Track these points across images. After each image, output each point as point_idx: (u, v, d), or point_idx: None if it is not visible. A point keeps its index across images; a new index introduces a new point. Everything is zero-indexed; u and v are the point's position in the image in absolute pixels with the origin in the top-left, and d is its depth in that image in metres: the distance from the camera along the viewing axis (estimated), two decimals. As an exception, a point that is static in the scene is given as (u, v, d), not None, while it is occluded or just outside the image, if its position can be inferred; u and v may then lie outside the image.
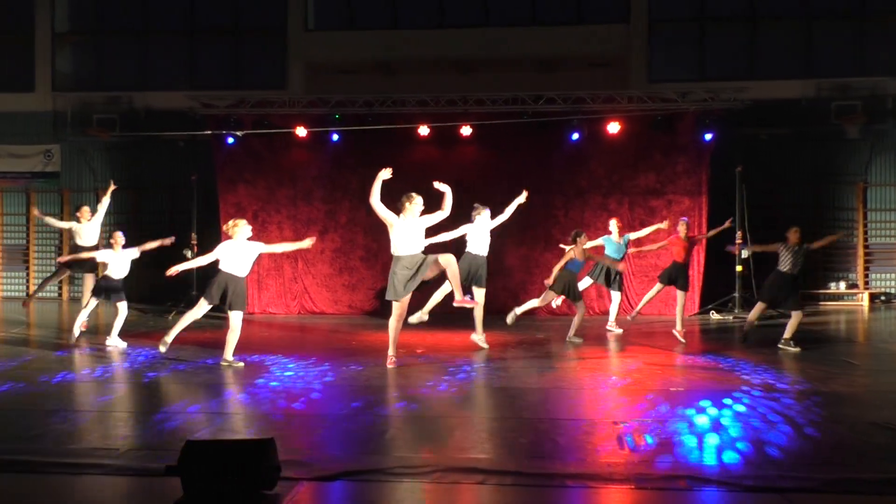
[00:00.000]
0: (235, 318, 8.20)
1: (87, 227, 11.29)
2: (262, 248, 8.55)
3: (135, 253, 9.74)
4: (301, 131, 13.13)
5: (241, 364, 8.13)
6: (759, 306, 9.63)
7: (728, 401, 6.34)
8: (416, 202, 8.19)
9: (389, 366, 7.94)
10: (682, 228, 10.43)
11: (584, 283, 10.94)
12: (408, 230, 8.05)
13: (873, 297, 14.53)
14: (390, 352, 8.05)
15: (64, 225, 11.85)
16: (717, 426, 5.56)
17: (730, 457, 4.85)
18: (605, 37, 15.26)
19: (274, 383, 7.27)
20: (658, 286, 10.66)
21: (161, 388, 7.28)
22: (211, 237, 13.63)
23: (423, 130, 12.97)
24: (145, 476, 4.52)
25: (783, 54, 15.24)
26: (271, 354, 8.96)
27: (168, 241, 10.10)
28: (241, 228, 8.23)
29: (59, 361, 8.50)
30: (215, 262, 8.34)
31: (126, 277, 9.84)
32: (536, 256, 13.23)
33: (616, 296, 11.13)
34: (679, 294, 10.26)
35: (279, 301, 13.66)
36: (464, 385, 7.27)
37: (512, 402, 6.76)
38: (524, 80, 14.55)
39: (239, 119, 13.32)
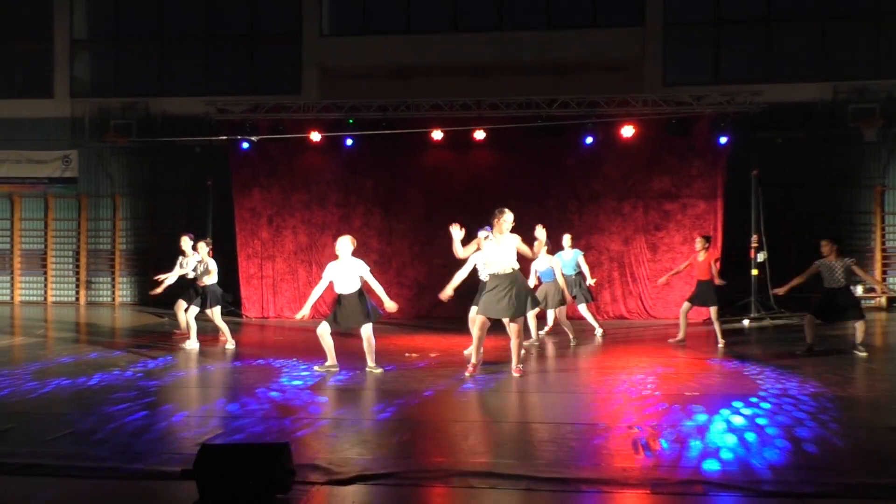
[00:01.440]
0: (364, 331, 8.06)
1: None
2: (364, 270, 8.23)
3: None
4: (315, 136, 13.19)
5: (380, 370, 8.01)
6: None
7: (745, 406, 6.29)
8: (506, 218, 7.69)
9: (466, 374, 7.72)
10: (699, 246, 10.13)
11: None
12: (495, 248, 7.72)
13: (891, 301, 14.38)
14: (472, 360, 7.83)
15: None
16: (733, 431, 5.51)
17: (747, 461, 4.81)
18: (620, 41, 15.23)
19: (288, 387, 7.29)
20: (687, 306, 10.33)
21: (176, 391, 7.31)
22: (226, 242, 13.76)
23: (437, 135, 12.99)
24: (161, 479, 4.54)
25: (799, 57, 15.15)
26: (286, 358, 8.99)
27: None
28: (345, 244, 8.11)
29: (75, 366, 8.56)
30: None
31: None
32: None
33: (582, 307, 10.93)
34: (712, 310, 10.06)
35: (294, 305, 13.70)
36: (478, 389, 7.26)
37: (526, 407, 6.75)
38: (539, 84, 14.54)
39: (254, 124, 13.40)
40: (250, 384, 7.49)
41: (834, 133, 14.49)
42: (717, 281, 9.91)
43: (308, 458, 4.77)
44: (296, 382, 7.54)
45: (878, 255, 14.71)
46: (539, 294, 9.73)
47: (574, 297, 10.60)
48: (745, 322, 12.44)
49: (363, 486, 4.41)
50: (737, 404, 6.32)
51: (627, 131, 12.78)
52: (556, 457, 5.00)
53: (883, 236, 14.79)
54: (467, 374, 7.72)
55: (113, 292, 16.33)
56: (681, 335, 10.25)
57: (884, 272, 14.75)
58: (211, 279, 9.86)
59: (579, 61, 15.11)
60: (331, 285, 8.11)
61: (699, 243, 10.17)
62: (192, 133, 14.19)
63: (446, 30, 15.68)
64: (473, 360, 7.80)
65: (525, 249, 7.82)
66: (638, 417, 6.03)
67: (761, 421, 5.83)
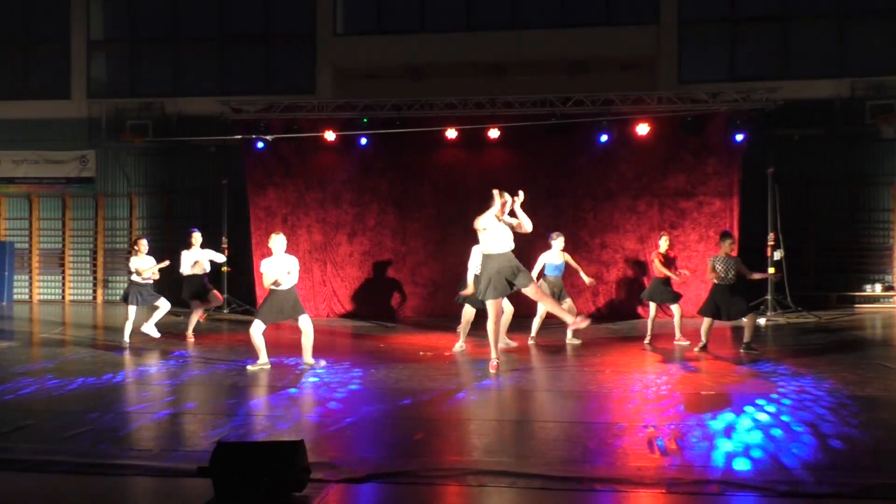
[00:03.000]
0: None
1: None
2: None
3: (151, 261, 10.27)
4: (330, 135, 13.22)
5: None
6: (705, 321, 9.39)
7: (760, 405, 6.25)
8: (496, 200, 7.91)
9: (492, 370, 7.76)
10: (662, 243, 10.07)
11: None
12: (498, 227, 7.85)
13: (908, 300, 14.24)
14: (492, 355, 7.88)
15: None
16: (749, 430, 5.48)
17: (763, 461, 4.77)
18: (635, 38, 15.16)
19: (303, 385, 7.32)
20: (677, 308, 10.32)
21: (193, 389, 7.36)
22: (241, 241, 13.82)
23: (451, 133, 12.98)
24: (177, 477, 4.58)
25: (816, 53, 15.01)
26: (300, 357, 9.01)
27: (164, 264, 10.42)
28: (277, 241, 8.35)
29: (93, 363, 8.64)
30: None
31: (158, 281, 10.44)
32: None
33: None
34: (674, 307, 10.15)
35: (308, 303, 13.69)
36: (493, 388, 7.25)
37: (541, 405, 6.74)
38: (553, 82, 14.50)
39: (268, 124, 13.45)
40: (265, 382, 7.52)
41: (851, 130, 14.35)
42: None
43: (323, 456, 4.79)
44: (310, 381, 7.56)
45: (895, 253, 14.57)
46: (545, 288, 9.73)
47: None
48: (762, 321, 12.35)
49: (377, 485, 4.42)
50: (753, 404, 6.28)
51: (642, 129, 12.71)
52: (570, 455, 4.98)
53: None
54: (492, 370, 7.75)
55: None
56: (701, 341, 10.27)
57: (902, 270, 14.59)
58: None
59: (594, 59, 15.04)
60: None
61: (662, 240, 10.07)
62: (207, 133, 14.26)
63: (460, 28, 15.67)
64: (494, 355, 7.84)
65: (511, 220, 8.02)
66: (653, 417, 6.01)
67: (778, 421, 5.78)
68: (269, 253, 8.37)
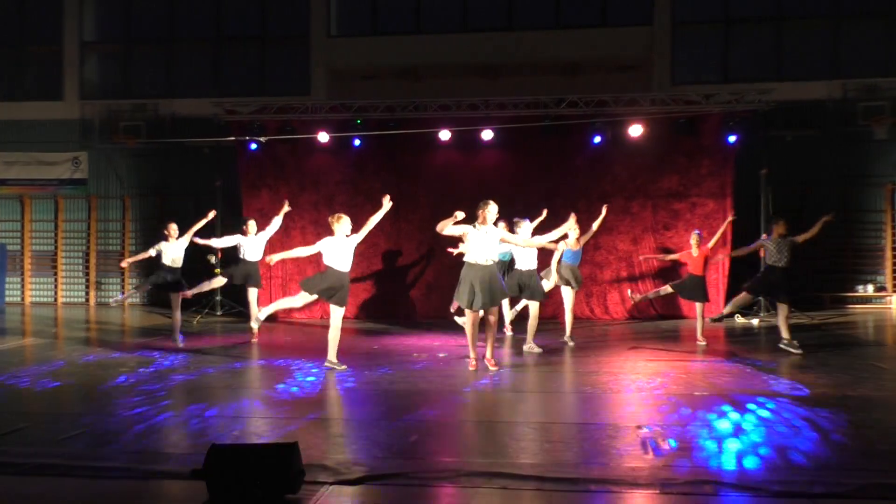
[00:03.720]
0: (336, 314, 8.26)
1: (252, 242, 10.94)
2: (357, 238, 8.56)
3: (185, 240, 10.19)
4: (323, 136, 13.21)
5: (344, 367, 8.21)
6: (744, 297, 9.63)
7: (754, 405, 6.27)
8: (491, 210, 7.98)
9: (470, 368, 8.09)
10: (693, 242, 10.19)
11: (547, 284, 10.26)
12: (481, 238, 7.98)
13: (903, 301, 14.30)
14: (470, 355, 8.19)
15: (231, 241, 11.03)
16: (742, 431, 5.50)
17: (756, 462, 4.79)
18: (629, 40, 15.20)
19: (297, 387, 7.32)
20: (667, 289, 10.56)
21: (186, 391, 7.35)
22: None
23: (445, 135, 12.99)
24: (171, 479, 4.57)
25: (809, 55, 15.06)
26: (295, 359, 9.01)
27: (211, 215, 10.65)
28: (342, 223, 8.36)
29: (86, 366, 8.61)
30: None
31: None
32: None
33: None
34: (698, 305, 10.20)
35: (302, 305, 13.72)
36: (487, 389, 7.26)
37: (534, 407, 6.74)
38: (548, 83, 14.52)
39: (262, 125, 13.43)
40: (259, 384, 7.51)
41: (844, 131, 14.40)
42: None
43: (317, 459, 4.78)
44: (304, 382, 7.56)
45: (888, 254, 14.62)
46: (565, 278, 10.02)
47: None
48: (755, 321, 12.40)
49: (372, 487, 4.42)
50: (746, 404, 6.30)
51: (636, 130, 12.74)
52: (564, 456, 4.99)
53: (894, 234, 14.70)
54: (490, 366, 8.04)
55: (123, 293, 16.41)
56: (649, 295, 11.04)
57: (895, 271, 14.65)
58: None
59: (588, 61, 15.07)
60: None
61: (694, 238, 10.26)
62: (200, 134, 14.23)
63: (455, 30, 15.67)
64: (472, 357, 8.12)
65: (511, 238, 8.35)
66: (647, 417, 6.02)
67: (771, 421, 5.80)
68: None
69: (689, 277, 10.28)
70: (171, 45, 16.63)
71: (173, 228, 10.15)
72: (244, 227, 10.93)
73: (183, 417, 6.18)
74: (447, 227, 7.83)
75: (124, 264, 11.20)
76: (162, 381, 7.71)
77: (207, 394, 7.21)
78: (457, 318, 9.95)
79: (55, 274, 16.73)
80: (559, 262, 10.00)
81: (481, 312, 7.98)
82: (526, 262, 9.28)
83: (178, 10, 16.59)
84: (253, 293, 10.94)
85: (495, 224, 8.26)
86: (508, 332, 10.76)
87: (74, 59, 16.67)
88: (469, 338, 8.14)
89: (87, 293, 16.56)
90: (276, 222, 10.93)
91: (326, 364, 8.25)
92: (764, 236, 10.05)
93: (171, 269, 10.02)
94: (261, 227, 11.03)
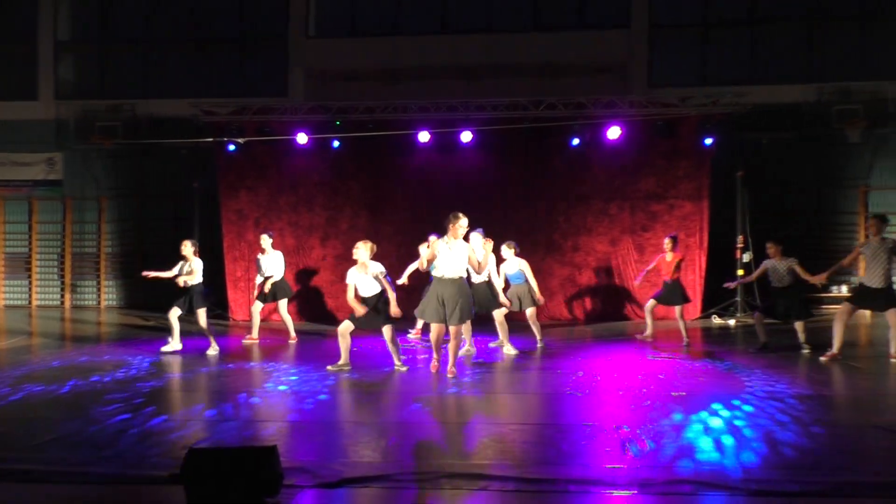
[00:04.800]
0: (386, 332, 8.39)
1: (269, 259, 11.05)
2: (379, 269, 8.41)
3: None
4: (302, 138, 13.15)
5: (405, 368, 8.34)
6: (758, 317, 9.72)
7: (731, 405, 6.33)
8: (461, 224, 7.83)
9: (432, 370, 8.13)
10: (667, 246, 10.37)
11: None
12: (447, 253, 7.86)
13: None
14: (434, 356, 8.21)
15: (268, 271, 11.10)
16: (720, 430, 5.55)
17: (734, 461, 4.84)
18: (607, 42, 15.28)
19: (276, 390, 7.28)
20: (652, 303, 10.65)
21: (164, 395, 7.28)
22: (213, 244, 13.69)
23: (424, 137, 12.99)
24: (149, 484, 4.52)
25: (784, 58, 15.24)
26: (273, 361, 8.96)
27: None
28: (360, 251, 8.29)
29: (61, 370, 8.50)
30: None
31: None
32: (538, 262, 13.19)
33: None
34: (676, 309, 10.35)
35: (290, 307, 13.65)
36: (466, 391, 7.26)
37: (514, 408, 6.76)
38: (527, 85, 14.56)
39: (240, 126, 13.35)
40: (238, 388, 7.46)
41: (819, 134, 14.58)
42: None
43: (296, 462, 4.76)
44: (283, 386, 7.52)
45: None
46: (511, 296, 9.80)
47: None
48: (731, 322, 12.52)
49: (351, 489, 4.41)
50: (724, 404, 6.36)
51: (614, 133, 12.81)
52: (544, 457, 5.01)
53: (867, 237, 14.91)
54: (449, 375, 7.87)
55: (98, 296, 16.23)
56: (648, 331, 10.66)
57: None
58: (194, 279, 9.78)
59: (566, 63, 15.13)
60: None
61: (667, 244, 10.40)
62: (178, 135, 14.11)
63: (434, 31, 15.67)
64: (435, 359, 8.11)
65: (475, 260, 7.95)
66: (625, 418, 6.06)
67: (748, 420, 5.86)
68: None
69: (663, 284, 10.45)
70: (148, 45, 16.46)
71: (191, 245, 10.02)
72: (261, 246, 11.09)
73: (160, 421, 6.12)
74: (423, 261, 7.89)
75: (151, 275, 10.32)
76: (139, 384, 7.63)
77: (185, 397, 7.15)
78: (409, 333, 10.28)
79: (29, 276, 16.50)
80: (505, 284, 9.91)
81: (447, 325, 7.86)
82: (477, 276, 9.19)
83: (155, 9, 16.43)
84: (283, 305, 11.08)
85: (465, 238, 8.10)
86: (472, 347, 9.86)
87: (49, 59, 16.46)
88: (433, 346, 8.15)
89: (63, 296, 16.35)
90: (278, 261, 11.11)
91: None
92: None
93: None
94: (247, 228, 11.09)
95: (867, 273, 8.62)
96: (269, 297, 11.03)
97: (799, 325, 9.40)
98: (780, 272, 9.39)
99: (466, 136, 12.97)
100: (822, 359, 8.56)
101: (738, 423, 5.79)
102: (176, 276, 9.82)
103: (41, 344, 10.84)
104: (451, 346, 7.93)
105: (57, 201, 16.36)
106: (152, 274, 10.08)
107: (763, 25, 15.34)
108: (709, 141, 12.84)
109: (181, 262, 9.96)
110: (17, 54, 16.66)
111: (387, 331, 8.31)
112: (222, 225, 13.75)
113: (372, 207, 13.74)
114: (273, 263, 11.01)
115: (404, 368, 8.30)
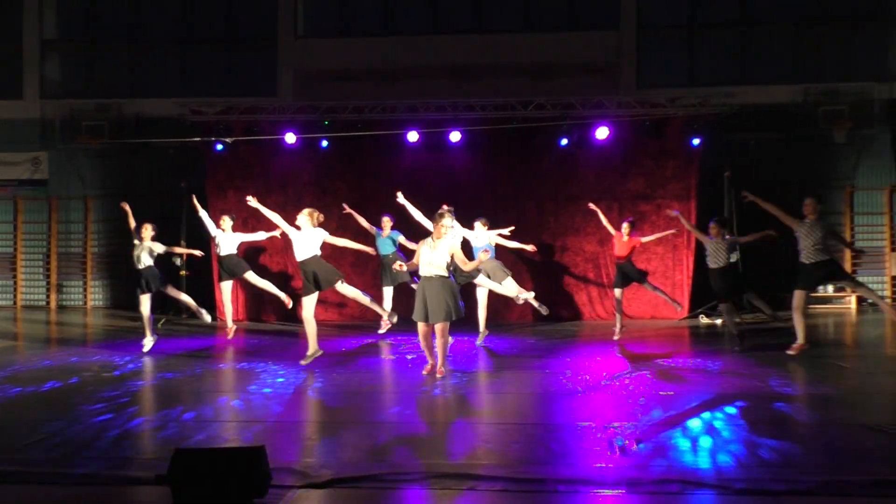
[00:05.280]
0: (344, 290, 8.80)
1: (227, 237, 11.05)
2: (325, 235, 8.88)
3: (159, 247, 9.98)
4: (291, 138, 13.11)
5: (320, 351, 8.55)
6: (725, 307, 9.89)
7: (718, 404, 6.35)
8: (444, 223, 7.80)
9: (425, 374, 7.99)
10: (625, 230, 10.63)
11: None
12: (428, 252, 7.84)
13: (861, 300, 14.60)
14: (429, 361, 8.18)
15: (211, 225, 11.25)
16: (707, 429, 5.57)
17: (721, 460, 4.86)
18: (596, 43, 15.31)
19: (264, 390, 7.25)
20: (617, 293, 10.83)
21: (150, 395, 7.24)
22: (200, 244, 13.61)
23: (413, 136, 12.98)
24: (135, 485, 4.49)
25: (771, 60, 15.33)
26: (261, 361, 8.93)
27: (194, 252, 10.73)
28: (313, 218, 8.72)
29: (47, 370, 8.43)
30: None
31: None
32: (527, 262, 13.23)
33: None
34: (647, 286, 10.77)
35: (269, 308, 13.62)
36: (454, 390, 7.26)
37: (502, 408, 6.76)
38: (516, 86, 14.58)
39: (229, 126, 13.29)
40: (225, 388, 7.43)
41: (805, 135, 14.67)
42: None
43: (284, 462, 4.74)
44: (271, 385, 7.49)
45: (847, 255, 14.92)
46: (484, 271, 9.69)
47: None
48: (719, 321, 12.57)
49: (340, 490, 4.40)
50: (710, 403, 6.38)
51: (602, 133, 12.85)
52: (532, 457, 5.01)
53: (853, 236, 15.02)
54: (438, 375, 7.79)
55: (84, 296, 16.12)
56: (618, 327, 10.85)
57: (854, 271, 14.95)
58: (144, 262, 9.84)
59: (556, 63, 15.15)
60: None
61: (625, 227, 10.64)
62: (165, 135, 14.03)
63: (425, 31, 15.65)
64: (430, 362, 8.00)
65: (460, 257, 7.82)
66: (613, 417, 6.07)
67: (735, 419, 5.89)
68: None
69: (616, 267, 10.70)
70: (136, 44, 16.36)
71: (148, 229, 10.04)
72: (220, 221, 11.03)
73: (147, 421, 6.08)
74: (415, 261, 7.98)
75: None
76: (125, 385, 7.59)
77: (172, 397, 7.11)
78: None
79: (14, 276, 16.37)
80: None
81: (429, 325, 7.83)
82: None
83: (142, 8, 16.34)
84: (227, 286, 11.11)
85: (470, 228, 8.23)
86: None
87: (35, 58, 16.32)
88: (423, 348, 8.08)
89: (48, 296, 16.23)
90: (258, 236, 11.17)
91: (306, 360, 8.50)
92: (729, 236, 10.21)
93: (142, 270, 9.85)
94: (235, 228, 11.09)
95: (802, 252, 8.82)
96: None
97: (759, 303, 9.75)
98: (721, 251, 9.64)
99: (455, 136, 12.97)
100: (790, 351, 8.65)
101: (725, 422, 5.81)
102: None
103: (26, 345, 10.75)
104: (438, 344, 7.83)
105: (42, 201, 16.23)
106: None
107: (751, 27, 15.42)
108: (697, 141, 12.91)
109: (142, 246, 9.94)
110: (1, 53, 16.52)
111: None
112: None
113: (360, 207, 13.63)
114: (230, 242, 10.99)
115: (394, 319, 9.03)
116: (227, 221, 11.05)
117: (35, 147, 16.09)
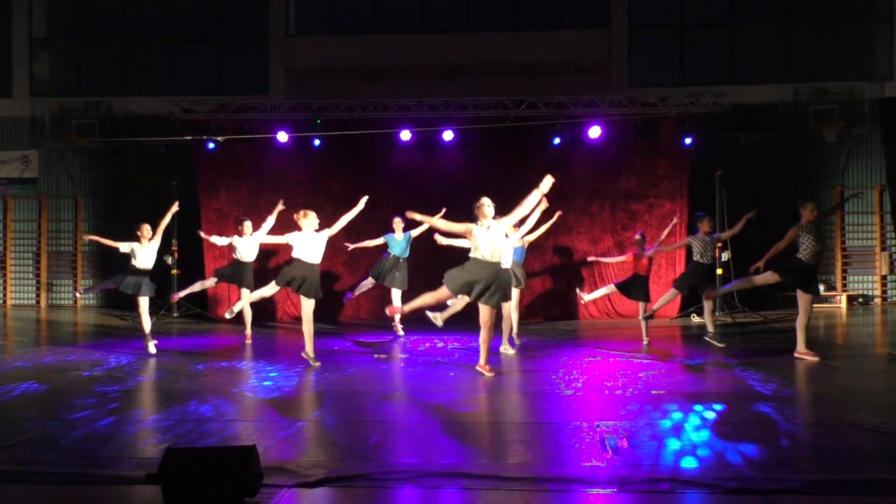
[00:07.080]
0: (307, 305, 8.45)
1: (247, 242, 10.75)
2: (329, 233, 8.65)
3: (157, 242, 9.77)
4: (282, 136, 13.08)
5: (318, 364, 8.36)
6: (672, 292, 10.16)
7: (710, 404, 6.37)
8: (484, 201, 8.19)
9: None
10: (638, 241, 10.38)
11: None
12: (484, 235, 7.92)
13: (851, 300, 14.69)
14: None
15: (224, 241, 10.87)
16: (698, 428, 5.58)
17: (712, 459, 4.87)
18: (587, 42, 15.35)
19: (256, 389, 7.23)
20: (612, 287, 10.72)
21: (141, 394, 7.21)
22: (192, 243, 13.58)
23: (406, 135, 12.97)
24: (126, 484, 4.47)
25: (762, 59, 15.40)
26: (253, 360, 8.90)
27: (174, 208, 10.19)
28: (308, 219, 8.47)
29: (36, 369, 8.39)
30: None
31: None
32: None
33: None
34: (641, 305, 10.26)
35: (260, 306, 13.56)
36: (446, 390, 7.25)
37: (493, 407, 6.76)
38: (508, 85, 14.60)
39: (220, 124, 13.25)
40: (216, 387, 7.40)
41: (796, 134, 14.74)
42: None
43: (275, 461, 4.73)
44: (263, 385, 7.47)
45: (838, 255, 15.01)
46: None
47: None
48: (695, 318, 12.62)
49: (332, 489, 4.39)
50: (701, 403, 6.40)
51: (594, 132, 12.88)
52: (524, 456, 5.01)
53: (843, 236, 15.11)
54: (489, 374, 7.67)
55: (75, 295, 16.04)
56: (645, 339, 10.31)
57: (844, 271, 15.05)
58: (151, 262, 9.75)
59: (547, 62, 15.18)
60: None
61: (637, 240, 10.40)
62: (156, 133, 13.99)
63: (415, 30, 15.66)
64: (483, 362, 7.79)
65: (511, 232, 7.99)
66: (604, 416, 6.08)
67: (726, 419, 5.90)
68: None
69: (633, 277, 10.27)
70: (126, 42, 16.30)
71: (146, 230, 9.65)
72: (239, 227, 10.72)
73: (138, 420, 6.06)
74: (444, 228, 7.98)
75: (88, 238, 11.03)
76: (115, 383, 7.55)
77: (163, 396, 7.08)
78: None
79: (4, 275, 16.28)
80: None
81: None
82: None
83: (132, 6, 16.28)
84: (245, 293, 10.71)
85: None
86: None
87: (24, 56, 16.24)
88: (483, 343, 7.71)
89: (38, 295, 16.15)
90: (270, 221, 10.62)
91: (303, 355, 8.42)
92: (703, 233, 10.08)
93: (140, 272, 9.56)
94: (227, 227, 11.03)
95: (812, 256, 8.88)
96: (233, 281, 10.94)
97: (707, 305, 9.84)
98: (709, 247, 9.77)
99: (448, 135, 12.97)
100: (813, 358, 8.55)
101: (715, 421, 5.83)
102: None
103: (15, 343, 10.69)
104: (482, 337, 7.67)
105: (32, 199, 16.16)
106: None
107: (741, 26, 15.49)
108: (688, 140, 12.95)
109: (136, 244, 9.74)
110: (-10, 51, 16.44)
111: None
112: (202, 224, 13.64)
113: (352, 206, 13.65)
114: (251, 247, 10.79)
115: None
116: (247, 226, 10.66)
117: (25, 145, 16.02)
